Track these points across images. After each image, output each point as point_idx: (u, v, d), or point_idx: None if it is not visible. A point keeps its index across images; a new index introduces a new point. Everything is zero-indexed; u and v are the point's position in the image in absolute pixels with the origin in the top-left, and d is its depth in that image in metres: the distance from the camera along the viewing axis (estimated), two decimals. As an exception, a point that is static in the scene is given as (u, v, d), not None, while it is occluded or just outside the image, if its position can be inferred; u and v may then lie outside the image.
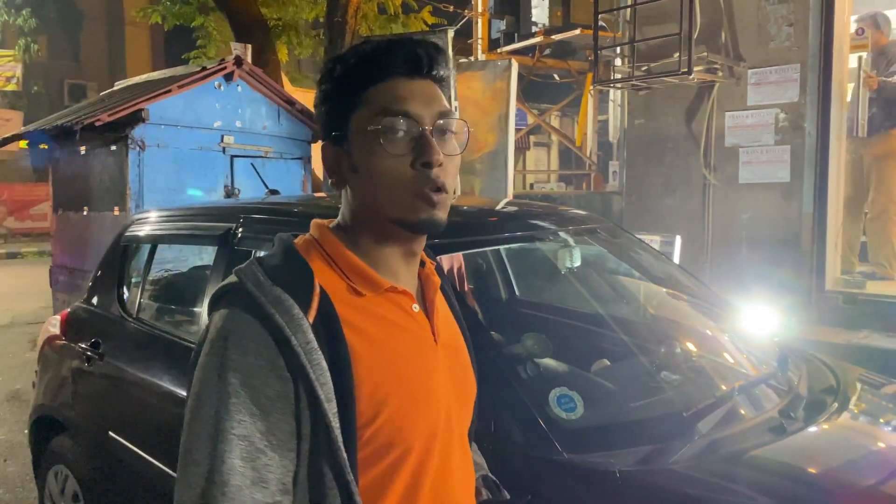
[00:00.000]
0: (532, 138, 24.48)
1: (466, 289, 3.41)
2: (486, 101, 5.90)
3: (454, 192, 1.04)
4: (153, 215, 3.15)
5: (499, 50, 10.37)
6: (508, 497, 1.27)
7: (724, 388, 2.05)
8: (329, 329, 0.93)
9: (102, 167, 5.51)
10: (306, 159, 6.09)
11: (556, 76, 11.91)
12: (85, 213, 5.87)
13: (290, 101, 5.85)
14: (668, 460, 1.68)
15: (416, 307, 1.04)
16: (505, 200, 4.69)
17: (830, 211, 4.73)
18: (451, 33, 5.17)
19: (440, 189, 0.98)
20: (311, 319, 0.92)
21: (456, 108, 5.36)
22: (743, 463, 1.72)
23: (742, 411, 1.94)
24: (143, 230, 3.10)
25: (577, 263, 2.62)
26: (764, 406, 2.00)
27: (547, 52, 10.64)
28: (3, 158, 18.96)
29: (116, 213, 5.37)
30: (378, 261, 1.03)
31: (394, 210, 0.98)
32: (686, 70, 4.61)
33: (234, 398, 0.89)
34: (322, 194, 6.05)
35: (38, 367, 3.34)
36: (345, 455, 0.90)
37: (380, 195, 0.99)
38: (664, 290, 2.93)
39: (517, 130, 11.65)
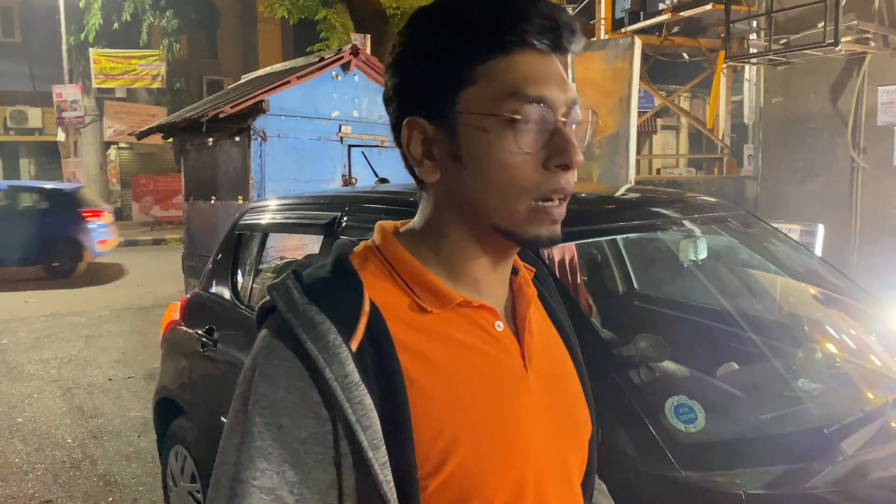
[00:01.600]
0: (659, 121, 23.51)
1: (579, 281, 3.24)
2: (607, 82, 5.63)
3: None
4: (265, 204, 3.19)
5: (623, 29, 9.94)
6: None
7: (874, 400, 1.78)
8: (380, 356, 0.76)
9: (227, 157, 5.71)
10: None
11: (685, 55, 11.30)
12: (212, 201, 6.12)
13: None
14: (805, 484, 1.46)
15: (500, 325, 0.84)
16: (625, 187, 4.43)
17: None
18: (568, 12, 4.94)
19: (565, 199, 0.80)
20: (355, 345, 0.75)
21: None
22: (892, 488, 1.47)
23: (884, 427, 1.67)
24: (255, 219, 3.13)
25: (703, 255, 2.38)
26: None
27: (675, 29, 10.10)
28: (151, 151, 20.40)
29: (240, 201, 5.55)
30: (460, 269, 0.84)
31: (505, 219, 0.79)
32: (832, 41, 4.17)
33: (258, 440, 0.74)
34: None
35: (162, 350, 3.48)
36: None
37: (491, 196, 0.79)
38: (803, 285, 2.63)
39: (641, 113, 11.17)
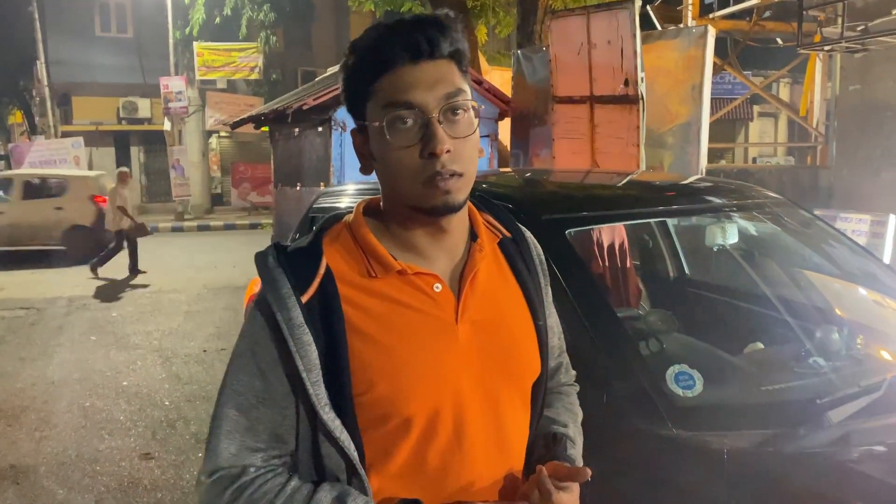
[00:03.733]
0: (756, 108, 22.67)
1: (629, 265, 3.37)
2: (679, 70, 5.63)
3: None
4: (338, 189, 3.48)
5: (712, 15, 9.75)
6: (571, 455, 1.21)
7: (873, 376, 1.88)
8: (327, 307, 1.01)
9: (311, 146, 6.08)
10: (493, 136, 6.24)
11: (779, 40, 10.95)
12: (298, 188, 6.52)
13: (479, 81, 6.02)
14: (786, 447, 1.60)
15: (438, 287, 1.06)
16: (668, 175, 4.48)
17: None
18: (637, 3, 5.00)
19: (453, 174, 1.00)
20: (306, 298, 1.01)
21: (642, 79, 5.20)
22: (874, 457, 1.59)
23: (891, 405, 1.77)
24: (328, 202, 3.42)
25: (733, 240, 2.49)
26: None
27: (767, 14, 9.82)
28: (248, 140, 21.37)
29: (322, 188, 5.91)
30: (405, 240, 1.07)
31: (409, 198, 1.03)
32: (906, 27, 4.08)
33: (239, 359, 1.05)
34: (507, 169, 6.18)
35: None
36: (328, 415, 1.00)
37: (395, 184, 1.03)
38: (838, 273, 2.68)
39: (731, 100, 10.91)
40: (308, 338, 1.00)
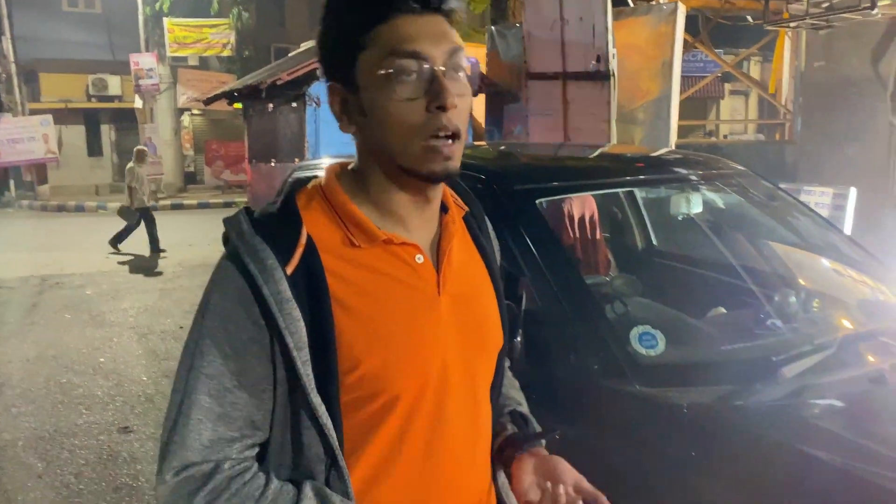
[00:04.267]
0: (727, 86, 22.87)
1: (599, 236, 3.46)
2: (650, 47, 5.71)
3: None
4: (312, 163, 3.51)
5: (683, -8, 9.82)
6: (538, 430, 1.24)
7: (826, 337, 1.98)
8: (311, 280, 0.93)
9: (285, 122, 6.07)
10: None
11: (749, 18, 11.07)
12: (273, 164, 6.52)
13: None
14: (742, 401, 1.70)
15: (420, 258, 1.01)
16: (628, 147, 4.57)
17: None
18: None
19: (453, 136, 0.94)
20: (290, 269, 0.92)
21: (614, 55, 5.27)
22: (825, 409, 1.69)
23: (842, 362, 1.87)
24: (303, 177, 3.46)
25: (697, 210, 2.58)
26: (867, 360, 1.91)
27: (738, -9, 9.92)
28: (221, 118, 21.13)
29: (297, 163, 5.93)
30: (386, 208, 1.00)
31: (406, 158, 0.95)
32: (869, 4, 4.19)
33: (208, 339, 0.93)
34: (480, 143, 6.23)
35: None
36: (317, 399, 0.92)
37: (391, 141, 0.95)
38: (799, 243, 2.79)
39: (701, 78, 11.05)
40: (297, 313, 0.92)
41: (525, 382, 1.75)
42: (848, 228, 4.44)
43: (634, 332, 1.86)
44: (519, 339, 1.87)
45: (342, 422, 0.96)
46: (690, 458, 1.57)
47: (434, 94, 0.93)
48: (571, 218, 3.43)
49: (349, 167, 1.05)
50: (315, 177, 1.08)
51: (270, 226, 0.95)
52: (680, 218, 2.64)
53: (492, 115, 6.90)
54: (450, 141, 0.94)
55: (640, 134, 5.91)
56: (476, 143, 5.19)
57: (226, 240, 0.99)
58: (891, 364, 1.90)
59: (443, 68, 0.94)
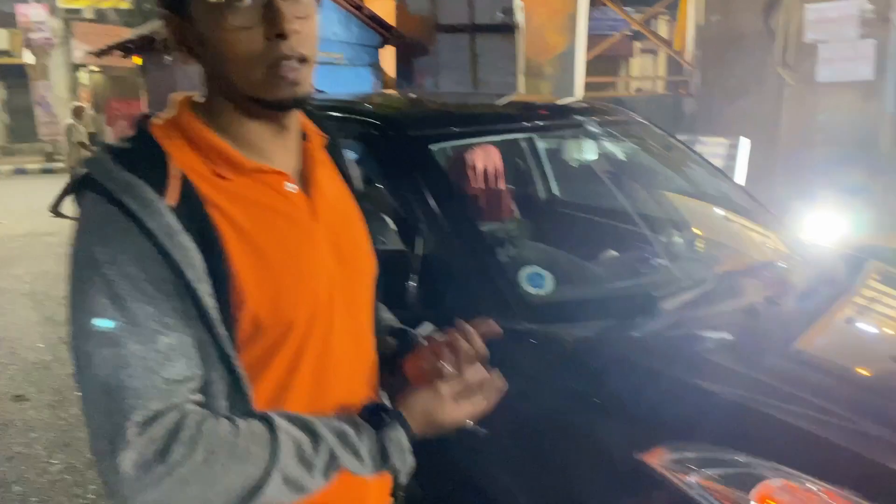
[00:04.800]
0: (637, 45, 23.29)
1: (503, 187, 3.50)
2: (555, 0, 5.74)
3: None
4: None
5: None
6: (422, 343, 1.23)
7: (705, 274, 2.08)
8: (193, 211, 0.88)
9: (184, 76, 5.82)
10: (376, 66, 6.18)
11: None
12: (174, 120, 6.24)
13: (359, 7, 5.91)
14: (625, 333, 1.77)
15: (290, 186, 0.98)
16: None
17: None
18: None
19: (302, 59, 0.90)
20: (172, 201, 0.87)
21: (520, 7, 5.27)
22: (702, 339, 1.78)
23: (718, 296, 1.97)
24: (146, 112, 3.34)
25: (591, 157, 2.64)
26: (746, 293, 2.02)
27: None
28: (123, 75, 20.06)
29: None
30: (243, 139, 0.95)
31: (251, 87, 0.91)
32: (759, -41, 4.31)
33: (102, 290, 0.85)
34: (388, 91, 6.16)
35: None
36: (225, 332, 0.88)
37: (233, 72, 0.90)
38: (692, 189, 2.90)
39: (607, 36, 11.20)
40: (191, 244, 0.86)
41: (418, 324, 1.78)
42: (741, 177, 4.64)
43: (523, 273, 1.90)
44: (412, 283, 1.89)
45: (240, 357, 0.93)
46: (573, 389, 1.63)
47: (270, 20, 0.88)
48: (475, 168, 3.46)
49: (196, 99, 0.99)
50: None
51: (136, 161, 0.88)
52: (575, 165, 2.69)
53: (402, 69, 6.82)
54: (296, 64, 0.90)
55: (548, 88, 5.97)
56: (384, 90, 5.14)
57: (77, 190, 0.91)
58: (765, 297, 2.02)
59: None
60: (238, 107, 0.94)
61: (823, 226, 4.31)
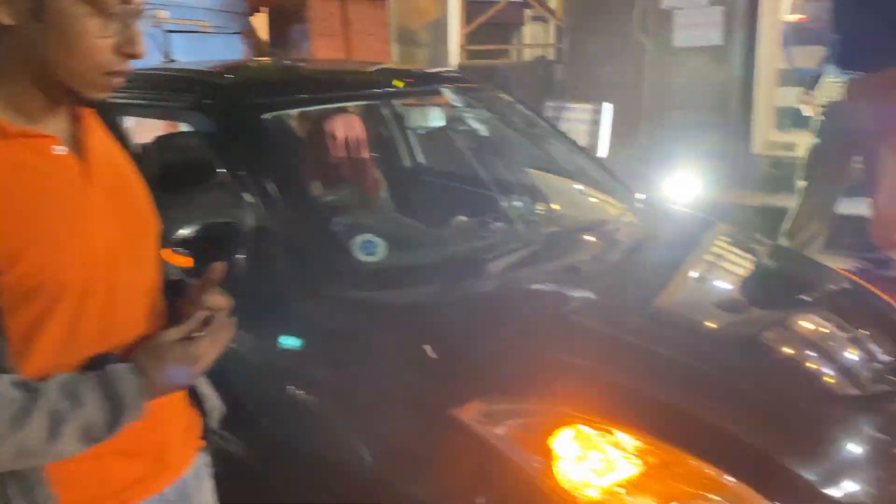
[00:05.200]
0: (527, 13, 23.57)
1: (365, 155, 3.49)
2: (427, -33, 5.73)
3: None
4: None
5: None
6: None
7: (537, 236, 2.16)
8: None
9: None
10: (246, 33, 6.00)
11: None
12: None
13: (224, -28, 5.71)
14: (454, 295, 1.83)
15: (58, 149, 0.99)
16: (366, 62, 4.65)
17: (760, 74, 4.68)
18: None
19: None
20: None
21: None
22: (528, 295, 1.87)
23: (545, 256, 2.05)
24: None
25: (437, 124, 2.68)
26: (576, 252, 2.11)
27: None
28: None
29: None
30: (18, 107, 0.96)
31: (76, 82, 0.95)
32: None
33: None
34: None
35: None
36: None
37: (67, 65, 0.94)
38: (541, 152, 2.99)
39: (492, 3, 11.28)
40: None
41: (248, 296, 1.77)
42: (605, 141, 4.81)
43: (357, 241, 1.92)
44: (241, 255, 1.88)
45: (5, 325, 0.92)
46: (397, 352, 1.67)
47: (129, 38, 0.95)
48: (335, 137, 3.43)
49: None
50: None
51: None
52: (422, 132, 2.72)
53: (276, 36, 6.65)
54: (122, 78, 0.97)
55: (424, 55, 5.98)
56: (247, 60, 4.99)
57: None
58: (592, 255, 2.12)
59: (139, 15, 0.97)
60: (36, 83, 0.96)
61: (681, 186, 4.55)
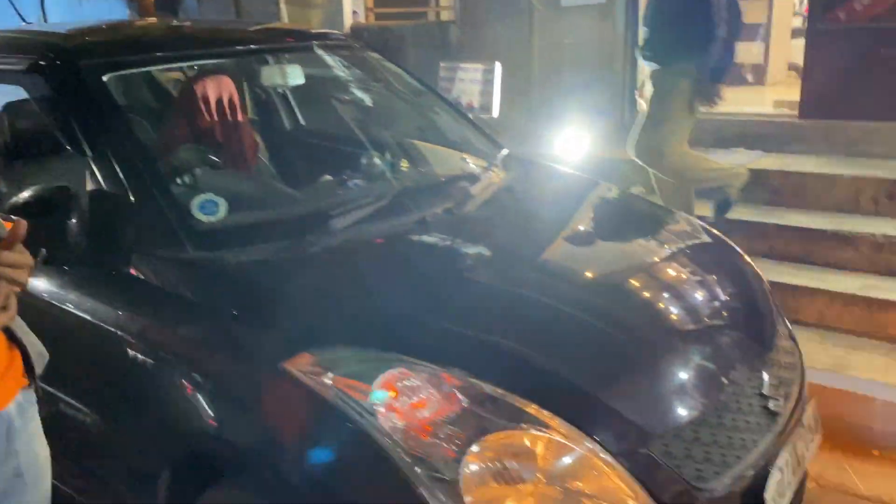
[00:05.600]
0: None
1: (242, 118, 3.42)
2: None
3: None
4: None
5: None
6: None
7: (387, 191, 2.18)
8: None
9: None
10: (130, -4, 5.75)
11: None
12: None
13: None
14: (295, 253, 1.83)
15: None
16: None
17: (641, 31, 4.77)
18: None
19: None
20: None
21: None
22: (371, 249, 1.89)
23: (394, 211, 2.07)
24: None
25: (296, 82, 2.65)
26: (418, 208, 2.12)
27: None
28: None
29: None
30: None
31: None
32: None
33: None
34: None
35: None
36: None
37: None
38: (412, 111, 3.00)
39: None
40: None
41: (84, 260, 1.74)
42: (497, 100, 4.85)
43: (196, 201, 1.89)
44: (74, 220, 1.82)
45: None
46: (232, 311, 1.66)
47: None
48: (206, 100, 3.35)
49: None
50: None
51: None
52: (280, 91, 2.69)
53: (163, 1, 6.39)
54: None
55: (319, 17, 5.86)
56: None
57: None
58: (444, 208, 2.14)
59: None
60: None
61: (569, 143, 4.65)
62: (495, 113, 4.88)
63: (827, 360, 3.15)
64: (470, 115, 5.00)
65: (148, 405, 1.71)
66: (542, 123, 5.02)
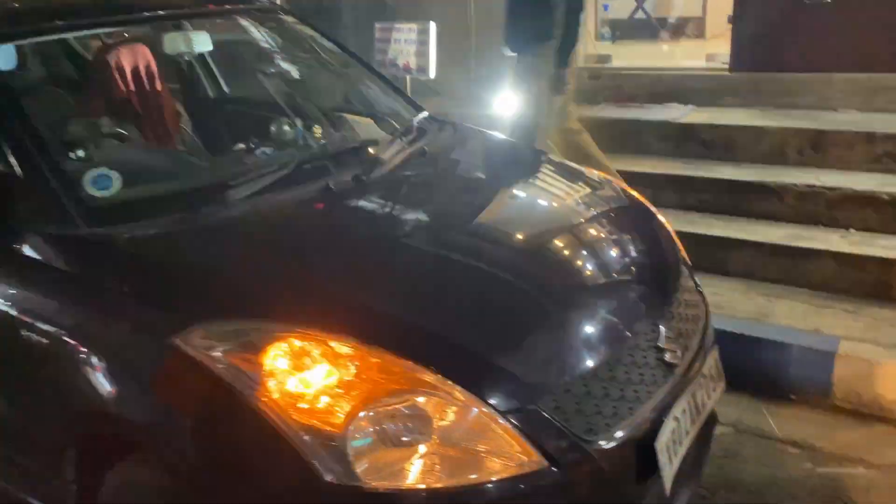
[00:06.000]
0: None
1: (161, 88, 3.34)
2: None
3: None
4: None
5: None
6: None
7: (289, 160, 2.15)
8: None
9: None
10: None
11: None
12: None
13: None
14: (191, 225, 1.80)
15: None
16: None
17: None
18: None
19: None
20: None
21: None
22: (269, 221, 1.87)
23: (295, 180, 2.04)
24: None
25: (203, 49, 2.59)
26: (321, 177, 2.10)
27: None
28: None
29: None
30: None
31: None
32: None
33: None
34: None
35: None
36: None
37: None
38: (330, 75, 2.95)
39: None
40: None
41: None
42: (433, 59, 4.80)
43: (89, 175, 1.85)
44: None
45: None
46: (121, 286, 1.64)
47: None
48: (122, 70, 3.25)
49: None
50: None
51: None
52: (186, 58, 2.62)
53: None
54: None
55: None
56: None
57: None
58: (353, 175, 2.12)
59: None
60: None
61: (507, 104, 4.63)
62: (432, 74, 4.83)
63: (751, 308, 3.22)
64: (408, 77, 5.00)
65: (48, 385, 1.69)
66: (481, 84, 4.98)
